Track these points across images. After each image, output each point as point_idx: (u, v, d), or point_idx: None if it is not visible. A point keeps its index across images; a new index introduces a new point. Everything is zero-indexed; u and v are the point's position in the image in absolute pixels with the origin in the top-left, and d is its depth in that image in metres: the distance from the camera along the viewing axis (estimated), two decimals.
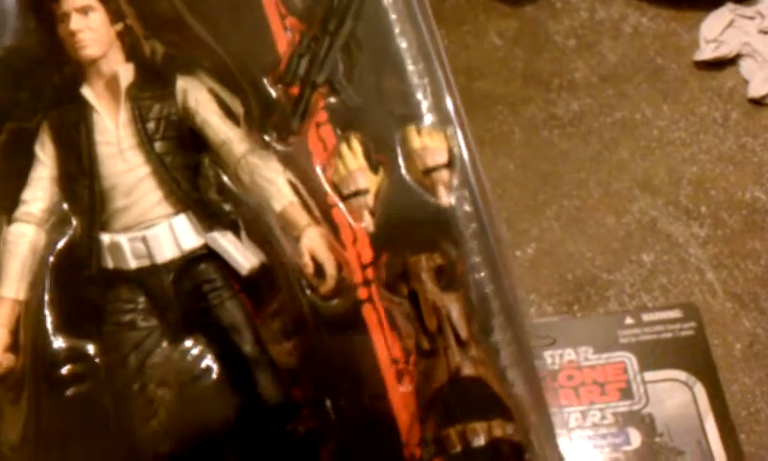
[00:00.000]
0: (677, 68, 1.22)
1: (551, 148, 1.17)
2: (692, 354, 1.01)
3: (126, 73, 0.83)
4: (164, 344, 0.82)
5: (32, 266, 0.83)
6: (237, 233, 0.83)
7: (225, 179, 0.84)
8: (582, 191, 1.14)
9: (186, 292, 0.82)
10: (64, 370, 0.82)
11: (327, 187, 0.84)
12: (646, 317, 1.04)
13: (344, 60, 0.85)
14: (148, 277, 0.81)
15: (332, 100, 0.85)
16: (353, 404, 0.81)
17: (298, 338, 0.82)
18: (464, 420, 0.73)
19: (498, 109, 1.20)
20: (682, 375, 1.00)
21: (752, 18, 1.23)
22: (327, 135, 0.85)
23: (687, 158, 1.16)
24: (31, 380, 0.81)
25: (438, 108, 0.85)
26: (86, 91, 0.83)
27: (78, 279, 0.82)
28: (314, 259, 0.80)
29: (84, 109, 0.82)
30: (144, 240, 0.81)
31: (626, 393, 1.00)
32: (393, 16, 0.86)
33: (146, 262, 0.81)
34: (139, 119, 0.82)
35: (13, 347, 0.82)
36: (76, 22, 0.81)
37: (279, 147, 0.84)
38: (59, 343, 0.82)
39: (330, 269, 0.80)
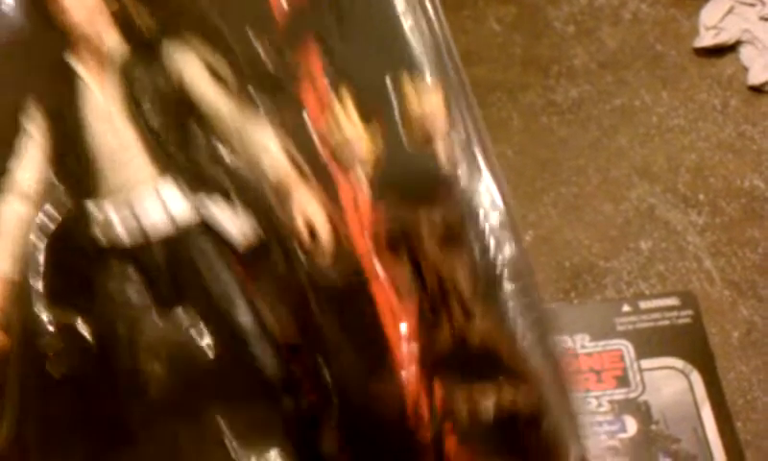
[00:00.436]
0: (676, 55, 1.21)
1: (549, 135, 1.17)
2: (689, 342, 1.01)
3: (114, 42, 0.83)
4: (157, 318, 0.81)
5: (21, 242, 0.82)
6: (230, 202, 0.82)
7: (217, 147, 0.83)
8: (580, 178, 1.14)
9: (179, 264, 0.81)
10: (54, 347, 0.81)
11: (321, 149, 0.82)
12: (643, 305, 1.04)
13: (335, 12, 0.84)
14: (139, 249, 0.81)
15: (324, 53, 0.84)
16: (355, 376, 0.79)
17: (296, 310, 0.81)
18: (471, 383, 0.71)
19: (497, 95, 1.19)
20: (678, 362, 1.00)
21: (752, 5, 1.23)
22: (322, 90, 0.83)
23: (686, 146, 1.15)
24: (19, 358, 0.81)
25: (435, 61, 0.84)
26: (75, 62, 0.82)
27: (68, 254, 0.81)
28: (308, 224, 0.80)
29: (73, 81, 0.82)
30: (131, 206, 0.80)
31: (622, 381, 0.99)
32: None
33: (136, 233, 0.81)
34: (128, 88, 0.81)
35: (7, 327, 0.81)
36: None
37: (272, 105, 0.83)
38: (48, 319, 0.82)
39: (324, 233, 0.80)
